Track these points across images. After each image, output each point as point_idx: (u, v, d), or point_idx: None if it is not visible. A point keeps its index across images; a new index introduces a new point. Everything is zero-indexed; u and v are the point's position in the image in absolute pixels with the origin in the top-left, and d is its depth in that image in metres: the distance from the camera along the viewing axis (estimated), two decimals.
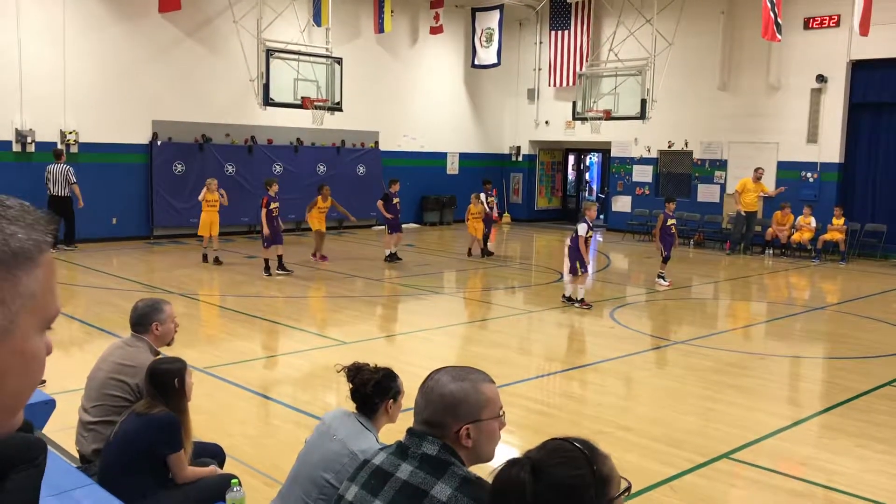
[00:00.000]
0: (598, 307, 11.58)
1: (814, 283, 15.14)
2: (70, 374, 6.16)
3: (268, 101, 16.98)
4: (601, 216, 24.53)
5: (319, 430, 3.42)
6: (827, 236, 17.19)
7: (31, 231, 0.84)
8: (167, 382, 3.83)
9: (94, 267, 13.60)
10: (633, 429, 6.38)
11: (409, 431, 2.23)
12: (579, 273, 11.30)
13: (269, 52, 16.85)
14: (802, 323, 11.20)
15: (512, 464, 1.67)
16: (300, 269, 14.14)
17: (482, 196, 16.69)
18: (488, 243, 16.86)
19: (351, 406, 3.43)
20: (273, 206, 13.36)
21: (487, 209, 16.53)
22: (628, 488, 1.69)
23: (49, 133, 15.78)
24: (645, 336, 9.85)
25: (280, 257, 13.49)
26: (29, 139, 15.49)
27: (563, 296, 11.56)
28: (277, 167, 18.94)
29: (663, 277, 13.29)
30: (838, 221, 17.20)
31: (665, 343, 9.50)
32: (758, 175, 17.88)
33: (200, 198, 14.34)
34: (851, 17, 16.11)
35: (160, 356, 4.21)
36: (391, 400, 3.40)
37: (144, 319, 4.38)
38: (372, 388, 3.34)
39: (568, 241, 12.06)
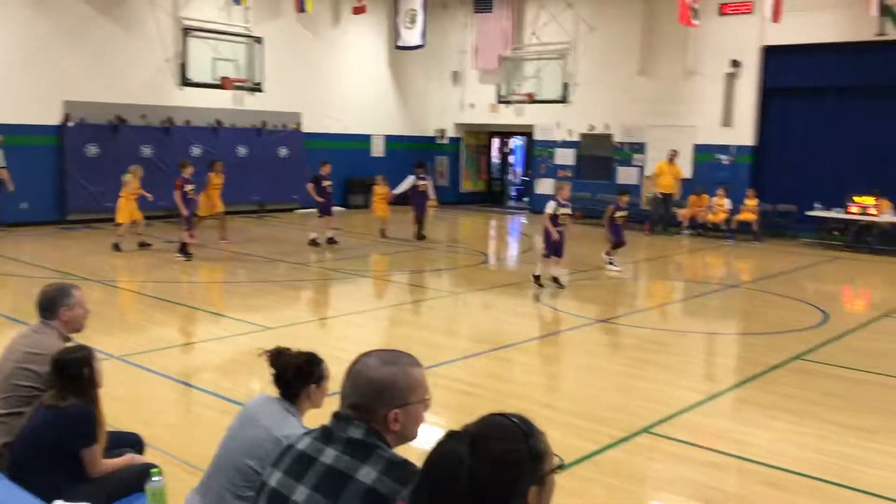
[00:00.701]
0: (524, 288, 11.71)
1: (728, 263, 15.66)
2: None
3: (185, 82, 16.54)
4: (525, 199, 24.84)
5: (242, 416, 3.36)
6: (741, 217, 17.81)
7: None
8: (75, 372, 3.69)
9: (3, 254, 13.03)
10: (557, 406, 6.50)
11: (335, 415, 2.21)
12: (545, 253, 11.36)
13: (187, 31, 16.38)
14: (718, 300, 11.58)
15: (451, 436, 1.67)
16: (220, 253, 13.85)
17: (412, 178, 16.67)
18: (424, 226, 16.87)
19: (275, 392, 3.38)
20: (188, 188, 13.04)
21: (420, 192, 16.53)
22: (561, 464, 1.72)
23: None
24: (569, 315, 10.03)
25: (184, 242, 13.19)
26: None
27: (551, 277, 11.52)
28: (196, 149, 18.46)
29: (613, 263, 13.42)
30: (751, 202, 17.83)
31: (588, 322, 9.69)
32: (671, 157, 18.38)
33: (128, 188, 13.79)
34: (763, 3, 16.62)
35: (68, 344, 4.05)
36: (314, 385, 3.36)
37: (51, 304, 4.20)
38: (294, 373, 3.29)
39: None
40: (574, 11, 19.07)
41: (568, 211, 11.68)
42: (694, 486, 5.04)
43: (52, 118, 16.48)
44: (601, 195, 20.74)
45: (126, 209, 13.78)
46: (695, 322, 10.27)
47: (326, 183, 15.23)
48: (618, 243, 13.39)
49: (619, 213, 13.42)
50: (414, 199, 16.64)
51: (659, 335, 9.26)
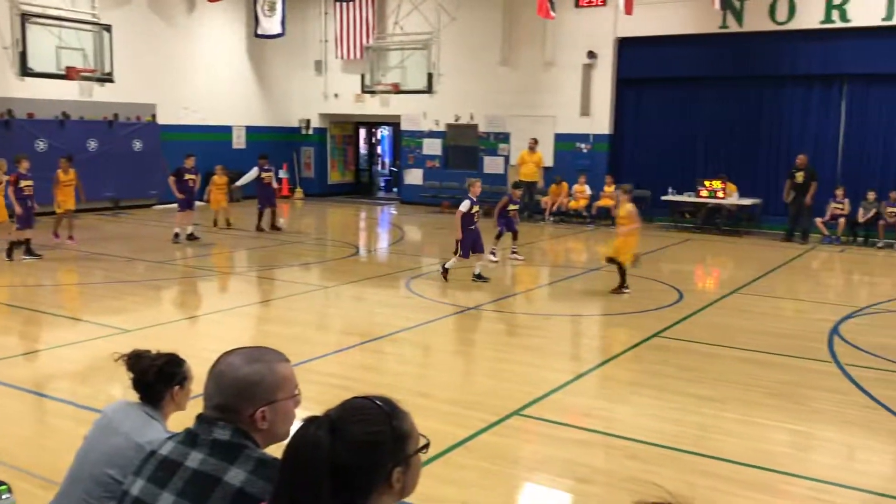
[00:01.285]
0: (394, 278, 11.71)
1: (590, 247, 16.26)
2: None
3: (26, 71, 15.45)
4: (394, 189, 24.84)
5: (100, 424, 3.17)
6: (600, 203, 18.53)
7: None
8: None
9: None
10: (430, 395, 6.54)
11: (199, 418, 2.12)
12: (458, 251, 11.27)
13: (26, 17, 15.29)
14: (581, 284, 12.00)
15: (310, 421, 1.64)
16: (72, 253, 13.07)
17: (255, 170, 16.37)
18: (279, 219, 16.57)
19: (135, 397, 3.21)
20: (24, 184, 12.27)
21: (265, 183, 16.44)
22: (426, 445, 1.72)
23: None
24: (440, 304, 10.11)
25: (28, 241, 12.44)
26: None
27: (474, 275, 11.38)
28: (41, 144, 17.31)
29: (517, 253, 13.58)
30: (609, 189, 18.58)
31: (459, 310, 9.81)
32: (531, 146, 18.91)
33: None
34: None
35: None
36: (177, 387, 3.22)
37: None
38: (154, 376, 3.14)
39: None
40: (436, 2, 19.19)
41: (478, 207, 11.77)
42: (564, 464, 5.20)
43: None
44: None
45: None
46: (561, 305, 10.60)
47: (189, 177, 14.74)
48: (513, 234, 13.58)
49: (511, 206, 13.64)
50: (259, 192, 16.49)
51: (527, 319, 9.50)
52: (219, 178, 16.30)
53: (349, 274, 12.15)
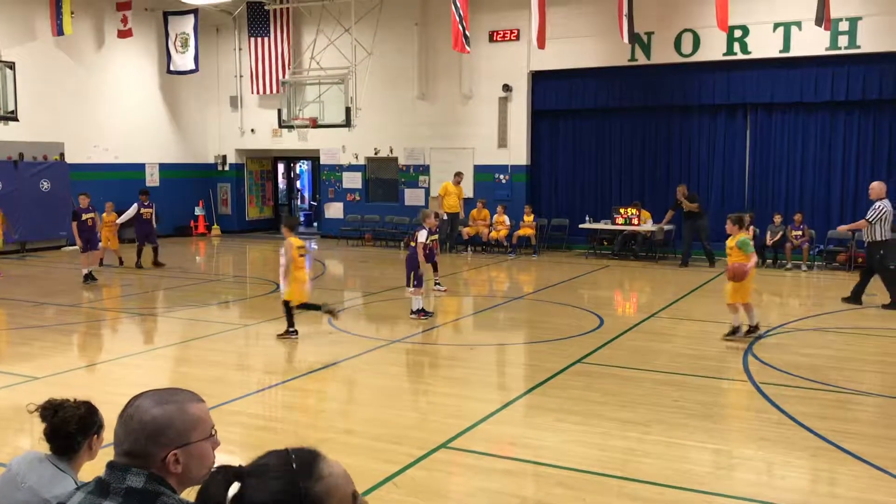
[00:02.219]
0: (316, 314, 11.54)
1: (511, 276, 16.42)
2: None
3: None
4: (314, 224, 24.60)
5: (4, 478, 2.99)
6: (520, 232, 18.79)
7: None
8: None
9: None
10: (354, 431, 6.42)
11: (110, 465, 2.00)
12: (412, 285, 11.02)
13: None
14: (504, 312, 12.08)
15: (217, 472, 1.56)
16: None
17: (136, 206, 16.15)
18: (158, 254, 16.44)
19: (45, 447, 3.04)
20: None
21: (145, 219, 16.32)
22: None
23: None
24: (362, 338, 10.00)
25: None
26: None
27: (412, 310, 11.01)
28: None
29: (439, 284, 13.49)
30: (528, 218, 18.87)
31: (382, 343, 9.72)
32: (457, 180, 19.06)
33: None
34: (530, 31, 17.71)
35: None
36: (95, 435, 3.09)
37: None
38: (77, 425, 3.00)
39: (407, 251, 11.94)
40: (351, 36, 19.25)
41: (436, 237, 11.58)
42: (492, 495, 5.17)
43: None
44: (389, 217, 21.06)
45: None
46: (485, 335, 10.63)
47: (87, 216, 14.58)
48: (433, 265, 13.40)
49: (431, 237, 13.47)
50: (138, 228, 16.33)
51: (451, 350, 9.48)
52: (107, 216, 16.00)
53: (270, 311, 11.91)
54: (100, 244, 14.98)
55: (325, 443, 5.91)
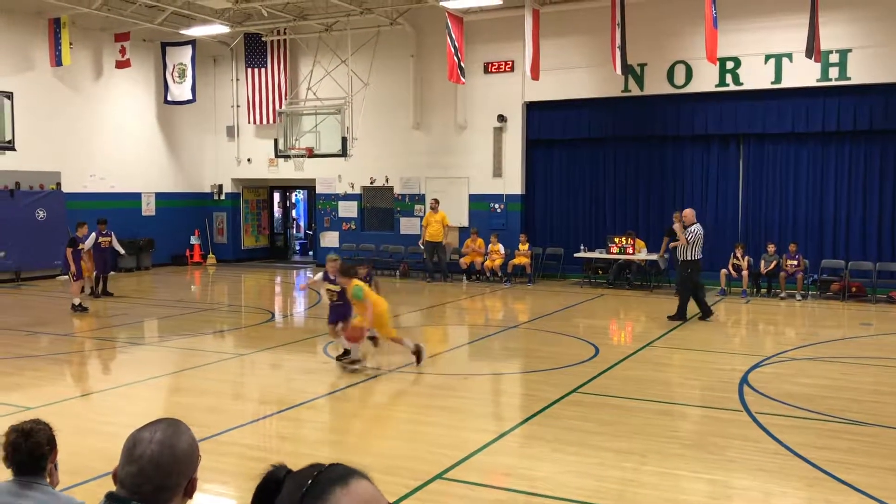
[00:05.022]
0: (311, 343, 11.51)
1: (507, 305, 16.42)
2: None
3: None
4: (310, 252, 24.62)
5: None
6: (515, 261, 18.84)
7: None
8: None
9: None
10: (348, 462, 6.36)
11: (108, 497, 1.99)
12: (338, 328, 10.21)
13: None
14: (500, 342, 12.07)
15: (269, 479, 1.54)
16: None
17: (94, 234, 15.98)
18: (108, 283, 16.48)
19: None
20: None
21: (104, 248, 16.25)
22: None
23: None
24: (352, 368, 9.96)
25: None
26: None
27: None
28: None
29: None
30: (524, 247, 18.93)
31: (377, 374, 9.69)
32: (432, 206, 19.28)
33: None
34: (524, 63, 17.90)
35: None
36: (55, 452, 3.20)
37: None
38: (48, 446, 3.10)
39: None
40: (348, 67, 19.45)
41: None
42: None
43: None
44: (385, 245, 21.10)
45: None
46: (479, 364, 10.61)
47: (83, 245, 14.77)
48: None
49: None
50: (96, 256, 16.04)
51: (446, 380, 9.45)
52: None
53: (265, 340, 11.90)
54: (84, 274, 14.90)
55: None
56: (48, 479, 3.12)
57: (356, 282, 9.58)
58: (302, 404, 8.31)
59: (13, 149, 16.63)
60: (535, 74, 17.50)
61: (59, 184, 19.31)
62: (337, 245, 21.97)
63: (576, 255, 18.58)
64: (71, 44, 18.85)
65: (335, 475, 1.45)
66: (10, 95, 16.30)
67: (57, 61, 18.74)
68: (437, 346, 12.23)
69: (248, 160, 23.27)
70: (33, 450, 3.03)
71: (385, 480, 5.86)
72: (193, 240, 23.11)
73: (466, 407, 8.24)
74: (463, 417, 7.78)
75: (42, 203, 18.88)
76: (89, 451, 6.06)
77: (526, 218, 20.01)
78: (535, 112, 19.67)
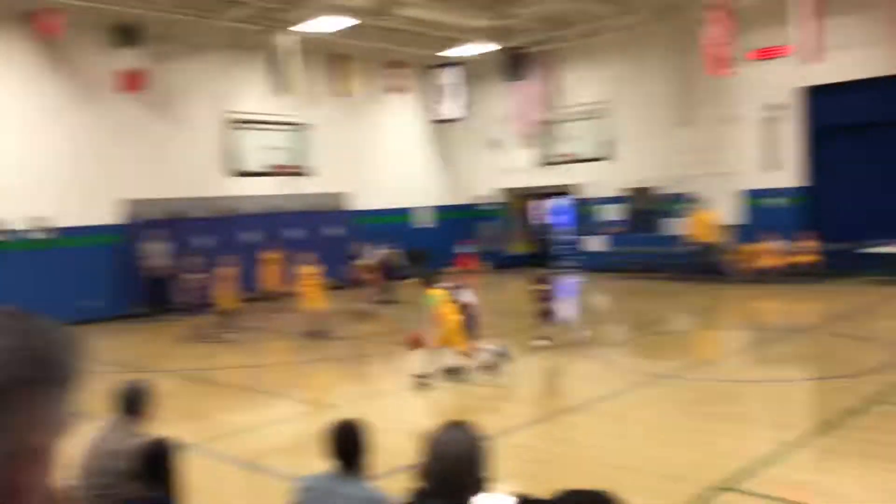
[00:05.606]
0: (585, 347, 11.55)
1: (789, 306, 15.25)
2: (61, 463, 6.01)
3: (238, 172, 17.06)
4: (576, 259, 24.71)
5: (313, 496, 3.45)
6: (797, 258, 17.43)
7: (73, 353, 0.90)
8: (163, 464, 3.77)
9: None
10: (629, 467, 6.33)
11: (414, 491, 2.18)
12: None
13: (237, 123, 16.98)
14: (783, 346, 11.26)
15: None
16: (277, 332, 13.98)
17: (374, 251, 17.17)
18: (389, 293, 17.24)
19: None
20: (196, 277, 14.09)
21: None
22: None
23: (21, 220, 15.66)
24: (631, 373, 9.84)
25: (210, 327, 13.84)
26: (1, 228, 15.37)
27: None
28: (251, 236, 18.89)
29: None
30: (807, 243, 17.46)
31: (651, 379, 9.49)
32: (700, 205, 18.35)
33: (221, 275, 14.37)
34: (800, 45, 16.57)
35: (147, 438, 4.14)
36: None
37: (136, 401, 4.31)
38: (363, 443, 3.52)
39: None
40: (608, 71, 19.33)
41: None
42: None
43: (114, 217, 17.08)
44: (652, 248, 20.58)
45: (225, 295, 14.31)
46: (763, 370, 9.98)
47: (363, 261, 15.53)
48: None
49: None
50: (380, 268, 17.07)
51: (726, 387, 9.01)
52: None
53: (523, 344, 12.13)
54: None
55: (600, 478, 5.90)
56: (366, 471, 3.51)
57: (432, 291, 9.48)
58: (577, 407, 8.38)
59: (311, 174, 18.58)
60: (815, 57, 16.12)
61: (348, 203, 21.24)
62: (603, 249, 21.85)
63: (869, 250, 16.75)
64: (356, 75, 20.70)
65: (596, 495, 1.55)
66: (307, 127, 18.25)
67: (344, 92, 20.68)
68: (713, 350, 11.71)
69: (514, 170, 23.93)
70: (352, 445, 3.41)
71: (668, 488, 5.75)
72: (465, 248, 24.21)
73: (752, 415, 7.81)
74: (748, 426, 7.38)
75: (335, 221, 20.87)
76: (385, 448, 6.60)
77: (810, 211, 18.46)
78: (816, 97, 18.10)
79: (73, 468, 4.34)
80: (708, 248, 18.33)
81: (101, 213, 16.85)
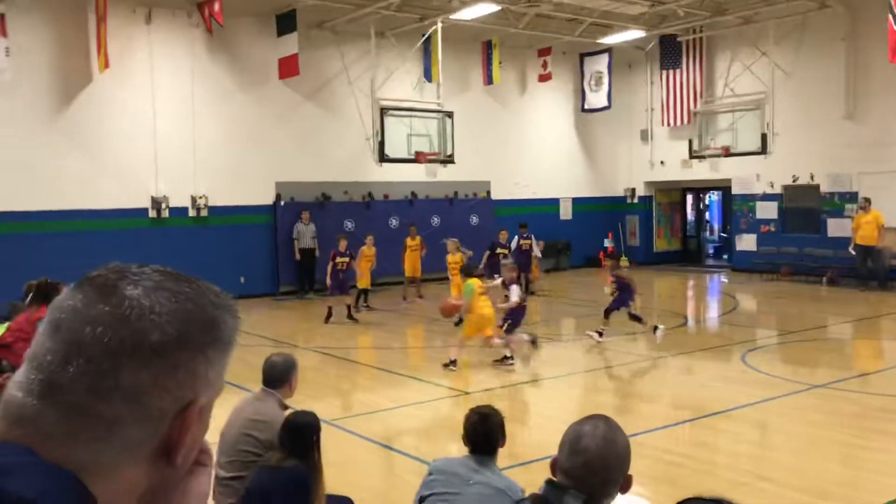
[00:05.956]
0: (727, 350, 11.07)
1: None
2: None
3: (383, 158, 17.48)
4: (725, 256, 23.73)
5: (445, 480, 3.49)
6: None
7: (234, 318, 0.92)
8: (307, 436, 3.91)
9: None
10: (773, 479, 6.01)
11: (549, 484, 2.15)
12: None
13: (384, 111, 17.39)
14: None
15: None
16: (408, 317, 14.24)
17: (515, 240, 16.88)
18: (531, 283, 17.00)
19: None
20: (340, 260, 14.03)
21: (524, 250, 16.96)
22: None
23: (181, 199, 16.75)
24: (779, 380, 9.33)
25: (348, 307, 14.12)
26: (163, 205, 16.51)
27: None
28: (393, 221, 19.35)
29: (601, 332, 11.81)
30: None
31: (802, 388, 8.96)
32: (863, 205, 17.02)
33: (362, 254, 14.86)
34: None
35: (293, 410, 4.31)
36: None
37: (281, 375, 4.50)
38: (501, 432, 3.58)
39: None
40: (769, 59, 18.30)
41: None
42: None
43: (267, 198, 17.97)
44: (809, 249, 19.40)
45: (364, 273, 14.91)
46: None
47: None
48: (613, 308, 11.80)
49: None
50: (518, 257, 16.40)
51: (890, 402, 8.37)
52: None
53: (678, 345, 11.74)
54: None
55: (739, 487, 5.64)
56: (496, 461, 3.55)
57: (471, 280, 10.12)
58: (719, 413, 8.03)
59: (453, 162, 18.76)
60: None
61: (489, 192, 21.32)
62: (754, 248, 20.83)
63: None
64: (501, 63, 20.67)
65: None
66: (451, 114, 18.42)
67: (489, 80, 20.70)
68: (874, 362, 10.92)
69: (662, 162, 23.20)
70: (489, 433, 3.44)
71: None
72: (607, 242, 23.74)
73: None
74: None
75: (475, 209, 21.01)
76: (517, 438, 6.59)
77: None
78: None
79: (218, 433, 4.60)
80: (871, 252, 17.07)
81: (256, 194, 17.74)
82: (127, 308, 0.81)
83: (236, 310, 0.91)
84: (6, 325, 6.21)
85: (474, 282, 10.09)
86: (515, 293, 10.45)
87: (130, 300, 0.82)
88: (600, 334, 11.60)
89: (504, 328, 10.34)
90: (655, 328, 11.74)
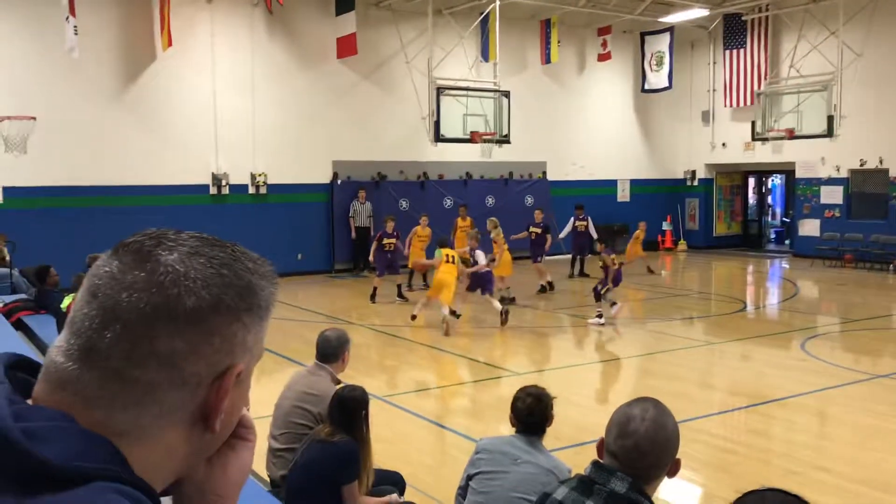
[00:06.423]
0: (786, 337, 10.83)
1: None
2: (260, 401, 6.47)
3: (438, 137, 17.46)
4: (786, 241, 23.15)
5: (492, 459, 3.51)
6: None
7: (271, 284, 0.90)
8: (355, 411, 3.97)
9: (281, 300, 14.36)
10: (831, 470, 5.88)
11: (596, 465, 2.14)
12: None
13: (440, 90, 17.35)
14: None
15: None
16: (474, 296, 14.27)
17: (571, 220, 16.97)
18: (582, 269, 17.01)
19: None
20: (386, 241, 14.00)
21: (580, 231, 17.00)
22: None
23: (241, 176, 17.04)
24: (840, 369, 9.10)
25: (399, 286, 14.29)
26: (224, 182, 16.82)
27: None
28: (448, 201, 19.36)
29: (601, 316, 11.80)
30: None
31: (864, 377, 8.73)
32: None
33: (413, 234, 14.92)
34: None
35: (344, 384, 4.37)
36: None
37: (335, 350, 4.57)
38: (550, 412, 3.61)
39: None
40: (838, 39, 17.67)
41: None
42: None
43: (323, 177, 18.15)
44: (875, 236, 18.81)
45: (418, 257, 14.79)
46: None
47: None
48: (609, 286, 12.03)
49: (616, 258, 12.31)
50: (574, 239, 16.98)
51: None
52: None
53: (736, 331, 11.53)
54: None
55: (794, 476, 5.54)
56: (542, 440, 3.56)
57: (442, 249, 11.51)
58: (775, 401, 7.88)
59: (508, 142, 18.62)
60: None
61: (544, 173, 21.14)
62: (817, 234, 20.27)
63: None
64: (559, 41, 20.41)
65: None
66: (507, 94, 18.28)
67: (546, 59, 20.47)
68: None
69: (723, 144, 22.68)
70: (543, 413, 3.48)
71: (878, 498, 5.29)
72: (665, 225, 23.38)
73: None
74: None
75: (530, 190, 20.87)
76: (564, 420, 6.57)
77: None
78: None
79: (270, 405, 4.69)
80: None
81: (313, 172, 17.94)
82: (162, 274, 0.81)
83: (274, 276, 0.91)
84: (72, 296, 6.43)
85: (445, 250, 11.50)
86: (481, 258, 11.76)
87: (165, 266, 0.82)
88: (600, 316, 11.71)
89: (481, 293, 11.83)
90: (613, 304, 11.88)
